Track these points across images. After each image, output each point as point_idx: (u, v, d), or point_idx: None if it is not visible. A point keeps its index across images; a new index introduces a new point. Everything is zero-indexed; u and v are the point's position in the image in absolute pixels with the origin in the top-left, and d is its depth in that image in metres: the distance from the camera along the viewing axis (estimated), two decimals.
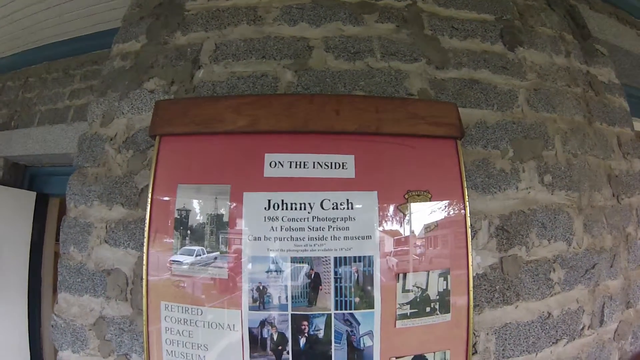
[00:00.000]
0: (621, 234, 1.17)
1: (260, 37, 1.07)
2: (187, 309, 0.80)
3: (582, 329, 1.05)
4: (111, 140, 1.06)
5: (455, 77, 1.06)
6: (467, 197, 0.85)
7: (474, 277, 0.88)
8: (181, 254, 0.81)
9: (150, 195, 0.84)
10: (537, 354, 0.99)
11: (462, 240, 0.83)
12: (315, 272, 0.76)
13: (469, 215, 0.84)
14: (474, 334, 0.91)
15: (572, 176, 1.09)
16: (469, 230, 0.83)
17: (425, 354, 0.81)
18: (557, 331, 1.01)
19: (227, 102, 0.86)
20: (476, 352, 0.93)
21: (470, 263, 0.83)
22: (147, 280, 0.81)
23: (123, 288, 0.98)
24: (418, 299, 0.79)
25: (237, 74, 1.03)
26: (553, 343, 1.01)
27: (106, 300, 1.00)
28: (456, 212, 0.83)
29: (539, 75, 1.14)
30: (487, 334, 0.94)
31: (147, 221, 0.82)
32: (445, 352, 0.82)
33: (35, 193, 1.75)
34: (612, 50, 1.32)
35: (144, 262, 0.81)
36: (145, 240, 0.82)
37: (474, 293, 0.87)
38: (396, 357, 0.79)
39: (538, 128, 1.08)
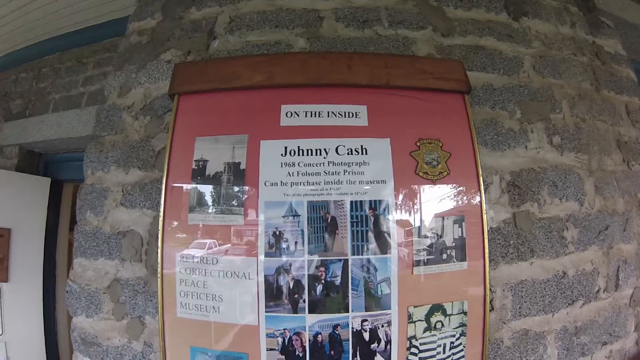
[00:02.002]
0: (633, 199, 1.17)
1: (273, 10, 1.11)
2: (202, 259, 0.80)
3: (598, 291, 1.04)
4: (128, 108, 1.10)
5: (461, 43, 1.09)
6: (477, 147, 0.86)
7: (488, 231, 0.88)
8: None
9: (168, 149, 0.87)
10: (553, 315, 0.98)
11: (475, 188, 0.84)
12: (331, 216, 0.77)
13: (480, 163, 0.85)
14: (491, 290, 0.90)
15: (581, 139, 1.10)
16: (480, 179, 0.85)
17: (443, 304, 0.81)
18: (572, 292, 1.00)
19: (244, 61, 0.90)
20: (493, 308, 0.92)
21: (483, 211, 0.83)
22: (163, 230, 0.82)
23: (138, 249, 0.99)
24: (434, 245, 0.80)
25: (251, 42, 1.07)
26: (569, 304, 1.00)
27: (121, 262, 1.01)
28: (467, 160, 0.85)
29: (544, 44, 1.17)
30: (504, 290, 0.94)
31: (164, 173, 0.84)
32: (462, 302, 0.82)
33: (49, 179, 1.78)
34: (617, 23, 1.35)
35: (161, 211, 0.83)
36: (163, 191, 0.83)
37: (489, 247, 0.87)
38: (414, 306, 0.79)
39: (545, 92, 1.10)
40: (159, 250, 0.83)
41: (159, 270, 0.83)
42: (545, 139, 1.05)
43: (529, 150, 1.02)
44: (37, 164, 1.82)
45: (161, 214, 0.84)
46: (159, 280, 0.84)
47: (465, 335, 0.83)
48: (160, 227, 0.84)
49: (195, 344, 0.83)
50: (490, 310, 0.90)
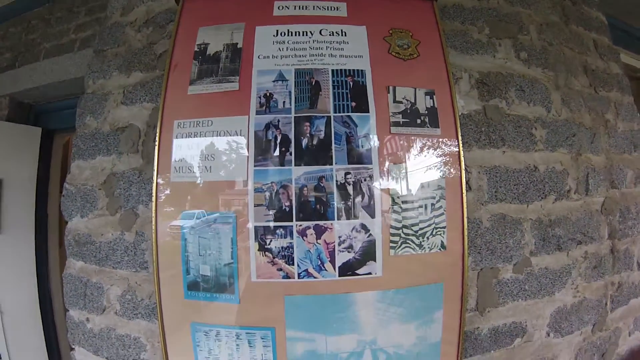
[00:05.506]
0: (600, 118, 1.38)
1: None
2: (198, 122, 0.97)
3: (569, 191, 1.22)
4: (131, 24, 1.31)
5: None
6: (445, 43, 1.08)
7: (460, 117, 1.07)
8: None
9: (172, 39, 1.07)
10: (528, 205, 1.15)
11: (443, 72, 1.04)
12: (315, 80, 0.97)
13: (447, 55, 1.06)
14: (466, 170, 1.07)
15: (548, 59, 1.32)
16: (449, 66, 1.05)
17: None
18: (544, 186, 1.17)
19: None
20: (470, 188, 1.09)
21: (453, 91, 1.03)
22: (164, 101, 1.00)
23: (135, 141, 1.15)
24: (408, 111, 0.98)
25: None
26: (542, 197, 1.17)
27: (118, 156, 1.16)
28: (435, 50, 1.06)
29: None
30: (479, 172, 1.11)
31: (169, 56, 1.04)
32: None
33: (40, 129, 1.94)
34: None
35: (163, 86, 1.01)
36: (166, 68, 1.03)
37: (461, 131, 1.06)
38: (394, 163, 0.96)
39: (513, 17, 1.34)
40: (159, 117, 1.00)
41: (157, 135, 0.99)
42: (513, 53, 1.27)
43: (497, 59, 1.24)
44: (27, 116, 1.99)
45: (163, 87, 1.02)
46: (156, 143, 1.00)
47: (444, 199, 0.99)
48: (161, 100, 1.01)
49: (186, 208, 0.98)
50: (467, 191, 1.07)
